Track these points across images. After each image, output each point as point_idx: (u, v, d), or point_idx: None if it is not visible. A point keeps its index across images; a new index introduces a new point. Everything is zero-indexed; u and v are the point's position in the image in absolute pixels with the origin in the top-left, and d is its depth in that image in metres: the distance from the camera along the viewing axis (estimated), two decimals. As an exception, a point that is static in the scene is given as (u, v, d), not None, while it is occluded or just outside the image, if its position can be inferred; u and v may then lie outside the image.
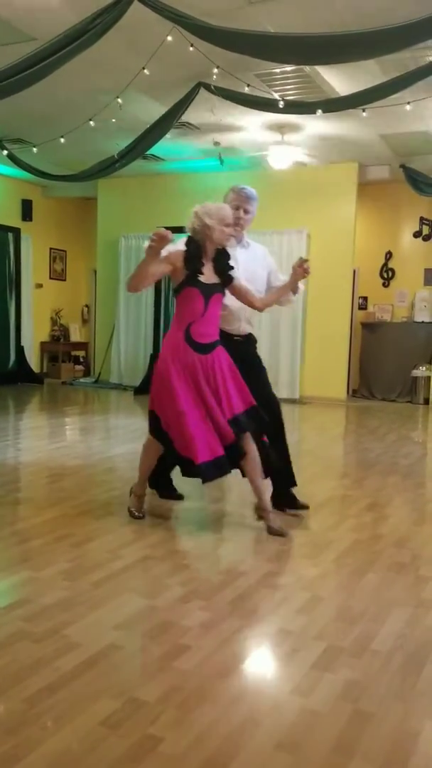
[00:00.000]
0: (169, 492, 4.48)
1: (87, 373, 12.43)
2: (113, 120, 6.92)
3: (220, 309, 3.85)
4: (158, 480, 4.38)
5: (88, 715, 1.98)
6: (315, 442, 6.90)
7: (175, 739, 1.88)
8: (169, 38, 4.99)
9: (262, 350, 10.76)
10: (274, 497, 4.11)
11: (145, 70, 5.56)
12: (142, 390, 10.22)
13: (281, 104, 5.91)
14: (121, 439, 6.70)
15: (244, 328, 4.16)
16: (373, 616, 2.72)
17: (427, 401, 10.04)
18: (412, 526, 4.03)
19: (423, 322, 10.33)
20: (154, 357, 10.53)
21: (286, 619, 2.67)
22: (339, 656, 2.39)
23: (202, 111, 7.11)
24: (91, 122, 6.66)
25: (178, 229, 11.31)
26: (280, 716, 2.02)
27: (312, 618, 2.70)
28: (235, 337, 4.09)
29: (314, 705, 2.08)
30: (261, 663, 2.41)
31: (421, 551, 3.58)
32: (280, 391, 9.96)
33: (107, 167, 7.17)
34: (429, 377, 10.06)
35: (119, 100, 6.15)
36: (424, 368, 10.12)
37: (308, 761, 1.81)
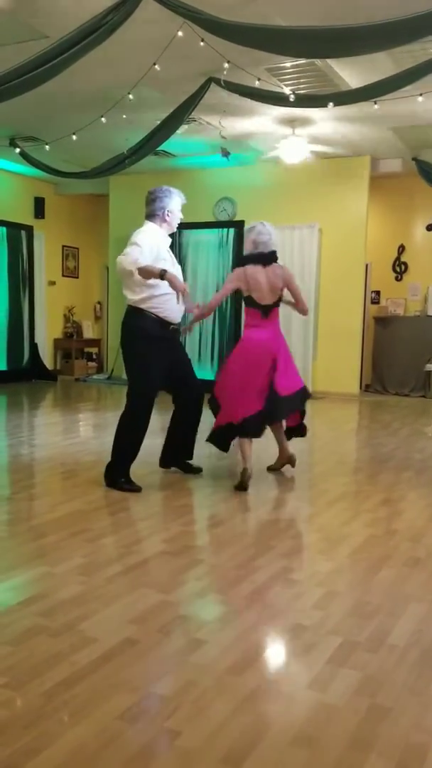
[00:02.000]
0: (186, 466, 5.04)
1: (100, 369, 12.47)
2: (124, 116, 6.91)
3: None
4: (177, 456, 4.93)
5: (104, 709, 1.99)
6: (328, 437, 6.88)
7: (192, 733, 1.89)
8: (180, 33, 4.97)
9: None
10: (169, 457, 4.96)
11: (156, 66, 5.55)
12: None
13: (292, 98, 5.88)
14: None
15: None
16: (388, 611, 2.72)
17: (439, 395, 9.99)
18: (427, 522, 4.01)
19: (436, 315, 10.28)
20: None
21: (301, 614, 2.67)
22: (355, 651, 2.39)
23: (214, 107, 7.09)
24: (103, 119, 6.67)
25: (189, 225, 11.25)
26: (297, 711, 2.02)
27: (327, 613, 2.69)
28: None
29: (330, 699, 2.08)
30: (277, 658, 2.41)
31: (437, 546, 3.56)
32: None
33: (118, 164, 7.17)
34: (441, 371, 10.01)
35: (130, 96, 6.15)
36: (437, 362, 10.06)
37: (325, 756, 1.81)
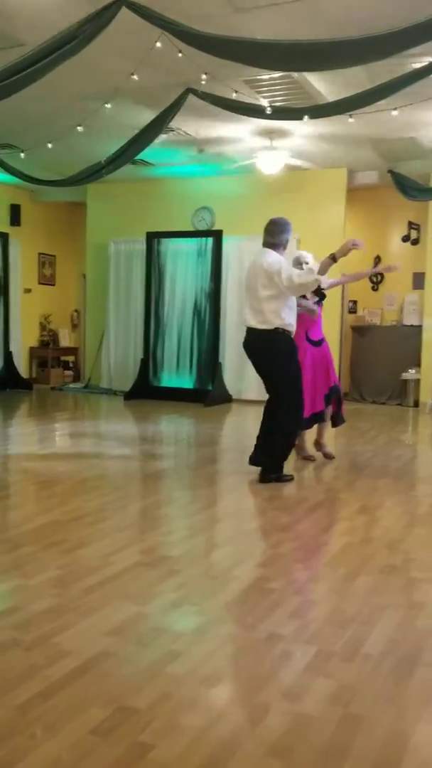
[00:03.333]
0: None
1: (77, 378, 12.41)
2: (101, 126, 6.91)
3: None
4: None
5: (78, 723, 1.97)
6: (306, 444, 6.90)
7: (166, 746, 1.88)
8: (158, 44, 5.00)
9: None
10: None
11: (134, 76, 5.57)
12: (132, 395, 10.21)
13: (269, 110, 5.93)
14: (112, 444, 6.68)
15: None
16: (364, 619, 2.73)
17: (416, 404, 10.08)
18: (404, 529, 4.04)
19: (412, 325, 10.38)
20: (144, 361, 10.53)
21: (277, 624, 2.67)
22: (330, 660, 2.39)
23: (192, 116, 7.12)
24: (79, 128, 6.66)
25: (168, 234, 11.33)
26: (272, 721, 2.02)
27: (304, 622, 2.70)
28: None
29: (306, 709, 2.08)
30: (253, 668, 2.40)
31: (413, 553, 3.59)
32: (271, 395, 9.98)
33: (95, 173, 7.16)
34: (418, 380, 10.10)
35: (108, 105, 6.16)
36: (413, 371, 10.16)
37: (300, 766, 1.81)
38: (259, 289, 4.94)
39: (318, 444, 6.03)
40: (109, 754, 1.83)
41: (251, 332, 5.05)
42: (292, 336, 5.10)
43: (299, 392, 5.15)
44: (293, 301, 5.08)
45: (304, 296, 5.54)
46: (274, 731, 1.97)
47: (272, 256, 4.99)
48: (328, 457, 5.99)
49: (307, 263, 5.53)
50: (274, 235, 5.10)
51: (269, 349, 5.02)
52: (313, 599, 2.94)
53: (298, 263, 5.66)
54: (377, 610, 2.82)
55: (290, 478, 5.18)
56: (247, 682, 2.30)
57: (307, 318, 5.69)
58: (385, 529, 4.00)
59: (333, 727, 1.99)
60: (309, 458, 5.95)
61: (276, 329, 4.97)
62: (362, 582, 3.14)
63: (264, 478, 5.07)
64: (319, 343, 5.91)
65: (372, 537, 3.84)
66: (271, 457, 5.12)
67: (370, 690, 2.21)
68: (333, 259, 5.30)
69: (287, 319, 4.99)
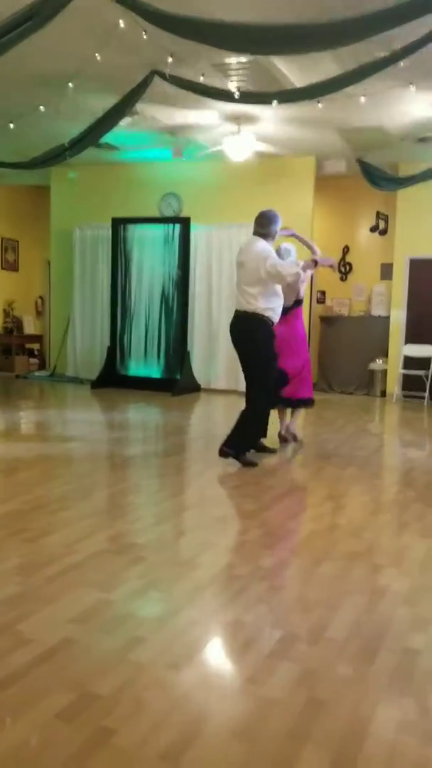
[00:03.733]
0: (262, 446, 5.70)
1: (42, 366, 12.26)
2: (64, 107, 6.79)
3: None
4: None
5: (42, 709, 1.94)
6: (274, 434, 6.92)
7: (130, 731, 1.86)
8: (122, 24, 4.92)
9: (221, 342, 10.75)
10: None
11: (98, 56, 5.47)
12: (98, 384, 10.12)
13: (236, 94, 5.89)
14: (77, 432, 6.62)
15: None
16: (328, 605, 2.74)
17: (383, 394, 10.18)
18: (368, 516, 4.07)
19: (380, 316, 10.46)
20: (111, 349, 10.44)
21: (242, 609, 2.67)
22: (294, 644, 2.40)
23: (158, 100, 7.04)
24: (42, 107, 6.54)
25: (134, 220, 11.19)
26: (236, 705, 2.02)
27: (268, 607, 2.70)
28: None
29: (269, 693, 2.08)
30: (217, 653, 2.40)
31: (377, 540, 3.62)
32: (240, 383, 9.96)
33: (58, 155, 7.05)
34: (385, 370, 10.20)
35: (70, 85, 6.05)
36: (380, 361, 10.25)
37: (262, 749, 1.81)
38: (246, 273, 5.11)
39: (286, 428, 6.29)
40: (73, 739, 1.81)
41: (236, 314, 5.25)
42: (272, 323, 5.19)
43: (271, 377, 5.29)
44: (279, 290, 5.21)
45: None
46: (237, 715, 1.97)
47: (262, 244, 5.16)
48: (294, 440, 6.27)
49: (291, 256, 5.92)
50: (264, 225, 5.24)
51: (247, 332, 5.16)
52: (278, 585, 2.95)
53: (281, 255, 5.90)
54: (341, 596, 2.84)
55: (254, 464, 5.19)
56: (211, 667, 2.30)
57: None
58: (350, 517, 4.02)
59: (297, 711, 1.99)
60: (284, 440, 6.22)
61: (255, 314, 5.10)
62: (327, 568, 3.16)
63: (223, 452, 5.20)
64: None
65: (337, 524, 3.86)
66: (237, 434, 5.23)
67: (333, 674, 2.22)
68: (315, 263, 5.63)
69: (269, 305, 5.12)
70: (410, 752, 1.82)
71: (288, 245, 6.10)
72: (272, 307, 5.17)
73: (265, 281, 5.07)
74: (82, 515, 3.86)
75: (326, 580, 3.01)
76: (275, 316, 5.22)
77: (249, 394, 5.28)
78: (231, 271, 10.11)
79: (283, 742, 1.85)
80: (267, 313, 5.12)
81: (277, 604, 2.74)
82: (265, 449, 5.71)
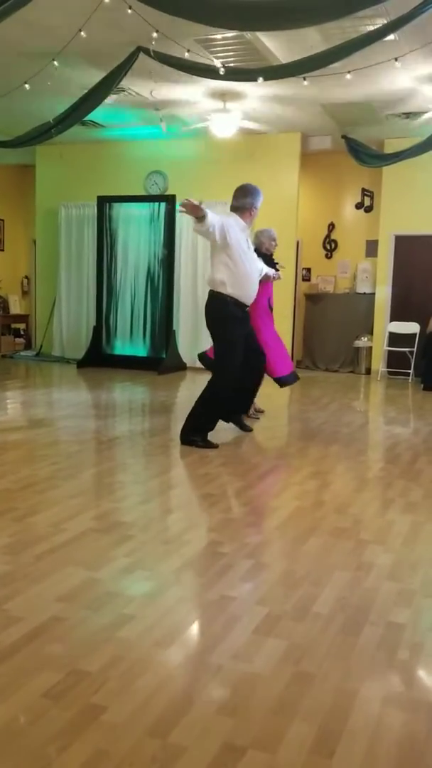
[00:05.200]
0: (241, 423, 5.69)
1: (28, 346, 12.18)
2: (49, 83, 6.68)
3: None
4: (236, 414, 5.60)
5: (30, 687, 1.97)
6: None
7: (118, 707, 1.89)
8: (106, 0, 4.83)
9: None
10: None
11: (82, 33, 5.38)
12: (85, 363, 10.09)
13: (222, 71, 5.82)
14: (63, 412, 6.61)
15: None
16: (314, 581, 2.78)
17: (368, 371, 10.22)
18: (353, 493, 4.11)
19: (365, 293, 10.47)
20: (97, 328, 10.39)
21: (229, 586, 2.70)
22: (281, 620, 2.43)
23: (143, 77, 6.95)
24: (26, 85, 6.44)
25: (120, 198, 11.07)
26: (222, 681, 2.05)
27: (255, 584, 2.73)
28: None
29: (256, 669, 2.11)
30: (204, 630, 2.43)
31: (362, 516, 3.66)
32: (225, 362, 9.98)
33: (43, 133, 6.95)
34: (370, 348, 10.23)
35: (55, 63, 5.95)
36: (365, 339, 10.28)
37: (250, 723, 1.85)
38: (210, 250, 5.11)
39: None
40: (61, 717, 1.84)
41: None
42: (229, 302, 4.99)
43: (227, 360, 5.10)
44: (240, 269, 4.97)
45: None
46: (224, 691, 2.00)
47: (232, 219, 5.06)
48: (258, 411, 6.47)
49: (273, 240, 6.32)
50: (236, 198, 5.15)
51: (206, 310, 5.16)
52: (263, 562, 2.98)
53: (271, 239, 6.33)
54: (327, 572, 2.88)
55: (214, 446, 5.10)
56: (198, 643, 2.33)
57: (268, 285, 5.95)
58: (335, 494, 4.06)
59: (283, 685, 2.03)
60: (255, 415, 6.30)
61: (211, 292, 5.08)
62: (312, 544, 3.19)
63: (185, 439, 5.16)
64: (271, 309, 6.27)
65: (322, 501, 3.90)
66: (192, 416, 5.19)
67: (319, 648, 2.25)
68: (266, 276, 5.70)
69: (222, 283, 4.97)
70: (395, 724, 1.87)
71: (271, 230, 6.44)
72: (231, 289, 4.96)
73: (221, 260, 4.96)
74: (69, 494, 3.87)
75: (312, 557, 3.05)
76: (242, 297, 5.02)
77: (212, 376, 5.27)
78: (217, 250, 10.09)
79: (270, 716, 1.88)
80: (224, 291, 4.96)
81: (263, 580, 2.78)
82: (243, 427, 5.71)
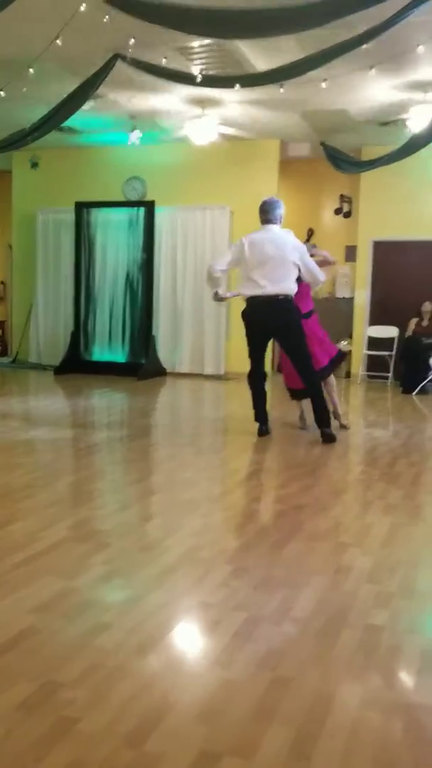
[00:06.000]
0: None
1: (4, 352, 12.08)
2: (24, 89, 6.64)
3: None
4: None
5: (4, 699, 1.93)
6: (240, 416, 6.93)
7: (94, 717, 1.86)
8: (83, 8, 4.82)
9: (186, 326, 10.72)
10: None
11: (58, 41, 5.36)
12: (62, 370, 10.03)
13: (199, 78, 5.84)
14: (40, 420, 6.56)
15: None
16: (293, 584, 2.77)
17: (348, 375, 10.26)
18: (332, 496, 4.12)
19: (344, 297, 10.53)
20: (75, 334, 10.34)
21: (207, 592, 2.69)
22: (259, 625, 2.42)
23: (121, 83, 6.94)
24: (1, 92, 6.40)
25: (98, 204, 10.99)
26: (201, 688, 2.03)
27: (233, 589, 2.72)
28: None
29: (234, 675, 2.10)
30: (182, 637, 2.41)
31: (342, 519, 3.67)
32: (205, 367, 9.98)
33: (19, 140, 6.91)
34: (350, 352, 10.27)
35: (31, 70, 5.93)
36: (345, 343, 10.30)
37: (226, 730, 1.83)
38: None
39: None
40: (35, 729, 1.81)
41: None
42: (245, 306, 5.65)
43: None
44: (246, 274, 5.60)
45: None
46: (202, 697, 1.98)
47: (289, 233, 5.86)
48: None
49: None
50: (272, 211, 5.81)
51: (285, 314, 5.61)
52: (243, 567, 2.96)
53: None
54: (305, 575, 2.87)
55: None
56: (176, 651, 2.31)
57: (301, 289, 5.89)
58: (315, 497, 4.07)
59: (261, 691, 2.02)
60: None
61: (286, 296, 5.56)
62: (292, 548, 3.19)
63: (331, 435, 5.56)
64: (307, 315, 6.04)
65: (302, 504, 3.89)
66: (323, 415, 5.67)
67: (297, 653, 2.25)
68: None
69: (291, 289, 5.58)
70: (373, 726, 1.86)
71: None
72: (243, 293, 5.66)
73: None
74: (46, 503, 3.84)
75: (291, 561, 3.04)
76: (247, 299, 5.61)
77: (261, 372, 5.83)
78: (195, 255, 10.09)
79: (248, 722, 1.87)
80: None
81: (242, 585, 2.76)
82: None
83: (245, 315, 5.66)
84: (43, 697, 1.94)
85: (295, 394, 6.10)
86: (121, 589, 2.73)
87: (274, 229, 5.70)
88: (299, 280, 5.67)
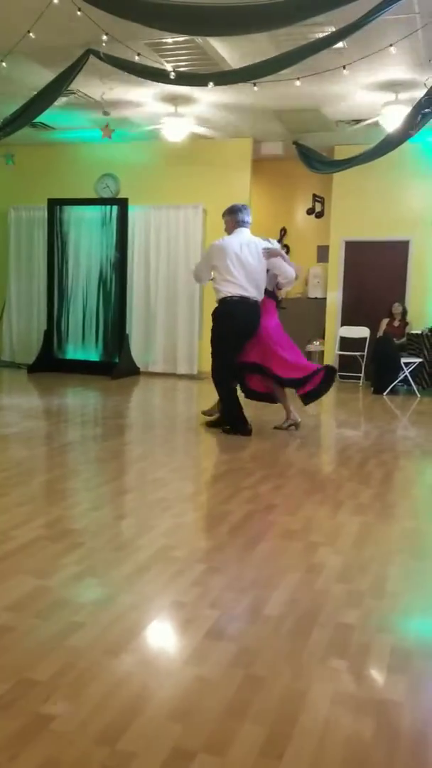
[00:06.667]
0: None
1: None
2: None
3: None
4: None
5: (-24, 699, 1.93)
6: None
7: (68, 716, 1.87)
8: (55, 1, 4.79)
9: (159, 325, 10.69)
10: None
11: (31, 34, 5.32)
12: (36, 368, 9.95)
13: (172, 75, 5.83)
14: (13, 418, 6.50)
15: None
16: (265, 583, 2.79)
17: (320, 375, 10.32)
18: (303, 495, 4.15)
19: (316, 298, 10.60)
20: (48, 333, 10.27)
21: (180, 592, 2.70)
22: (231, 624, 2.44)
23: (94, 79, 6.91)
24: (-25, 86, 6.33)
25: (71, 201, 10.94)
26: (173, 687, 2.04)
27: (206, 589, 2.73)
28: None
29: (207, 673, 2.11)
30: (155, 636, 2.42)
31: (312, 518, 3.70)
32: (178, 366, 9.98)
33: (-9, 135, 6.84)
34: (322, 352, 10.35)
35: (3, 64, 5.87)
36: (317, 343, 10.40)
37: (200, 727, 1.84)
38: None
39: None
40: (9, 726, 1.81)
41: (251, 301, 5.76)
42: (225, 306, 5.77)
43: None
44: (224, 276, 5.72)
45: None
46: (175, 696, 1.99)
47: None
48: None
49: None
50: (243, 214, 5.94)
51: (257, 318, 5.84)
52: (215, 566, 2.98)
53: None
54: (277, 574, 2.90)
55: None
56: (149, 649, 2.32)
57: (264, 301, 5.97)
58: (286, 497, 4.10)
59: (234, 689, 2.03)
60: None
61: (258, 302, 5.83)
62: (263, 547, 3.21)
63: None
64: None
65: (274, 504, 3.92)
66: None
67: (269, 651, 2.27)
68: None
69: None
70: (344, 724, 1.89)
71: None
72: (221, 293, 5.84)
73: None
74: (18, 502, 3.81)
75: (263, 560, 3.06)
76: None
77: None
78: (169, 254, 10.08)
79: (220, 720, 1.88)
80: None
81: (214, 584, 2.78)
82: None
83: (227, 315, 5.72)
84: (17, 696, 1.94)
85: (252, 395, 6.14)
86: (93, 588, 2.73)
87: (248, 233, 5.84)
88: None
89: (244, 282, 5.65)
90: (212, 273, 5.89)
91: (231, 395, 5.83)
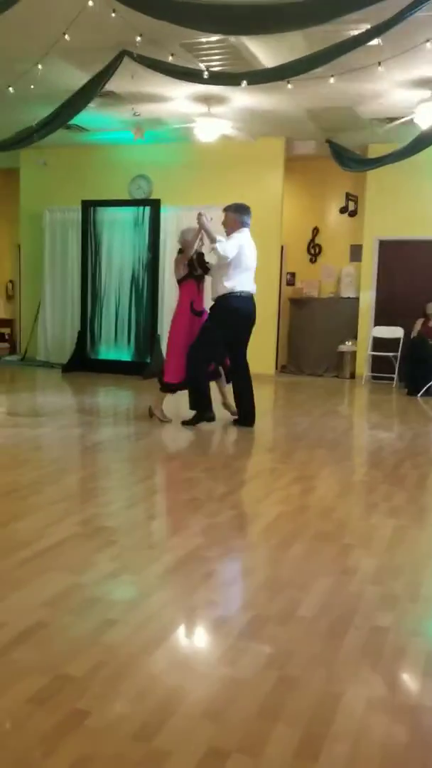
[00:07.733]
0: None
1: (13, 350, 12.14)
2: (32, 86, 6.65)
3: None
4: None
5: (15, 691, 1.95)
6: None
7: (103, 712, 1.88)
8: (90, 3, 4.84)
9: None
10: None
11: (66, 36, 5.38)
12: (69, 368, 10.05)
13: (206, 75, 5.84)
14: (48, 417, 6.58)
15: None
16: (298, 585, 2.78)
17: (353, 376, 10.26)
18: (337, 497, 4.12)
19: (349, 297, 10.52)
20: (82, 333, 10.36)
21: (213, 591, 2.70)
22: (265, 625, 2.43)
23: (127, 80, 6.95)
24: (10, 89, 6.42)
25: (104, 203, 11.03)
26: (206, 686, 2.05)
27: (239, 589, 2.73)
28: None
29: (240, 673, 2.11)
30: (188, 635, 2.43)
31: (346, 521, 3.68)
32: (210, 366, 9.97)
33: (26, 138, 6.92)
34: (355, 352, 10.28)
35: (39, 67, 5.94)
36: (350, 343, 10.33)
37: (233, 727, 1.84)
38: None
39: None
40: (46, 722, 1.83)
41: (250, 297, 6.05)
42: (234, 300, 5.94)
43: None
44: (236, 271, 5.92)
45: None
46: (208, 695, 1.99)
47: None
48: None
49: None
50: (246, 214, 6.16)
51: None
52: (248, 567, 2.98)
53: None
54: (311, 576, 2.88)
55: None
56: (182, 648, 2.33)
57: (193, 288, 6.09)
58: (319, 498, 4.07)
59: (267, 690, 2.03)
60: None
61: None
62: (296, 549, 3.20)
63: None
64: (199, 313, 6.15)
65: (306, 505, 3.90)
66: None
67: (303, 653, 2.26)
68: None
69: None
70: (378, 728, 1.87)
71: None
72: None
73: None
74: (53, 500, 3.85)
75: (296, 561, 3.05)
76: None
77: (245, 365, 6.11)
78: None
79: (254, 721, 1.88)
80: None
81: (247, 585, 2.78)
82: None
83: (237, 309, 5.90)
84: (54, 691, 1.96)
85: (170, 387, 6.18)
86: (127, 585, 2.74)
87: (248, 233, 6.07)
88: (193, 277, 6.05)
89: (250, 277, 6.01)
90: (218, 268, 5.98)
91: (202, 382, 6.00)
